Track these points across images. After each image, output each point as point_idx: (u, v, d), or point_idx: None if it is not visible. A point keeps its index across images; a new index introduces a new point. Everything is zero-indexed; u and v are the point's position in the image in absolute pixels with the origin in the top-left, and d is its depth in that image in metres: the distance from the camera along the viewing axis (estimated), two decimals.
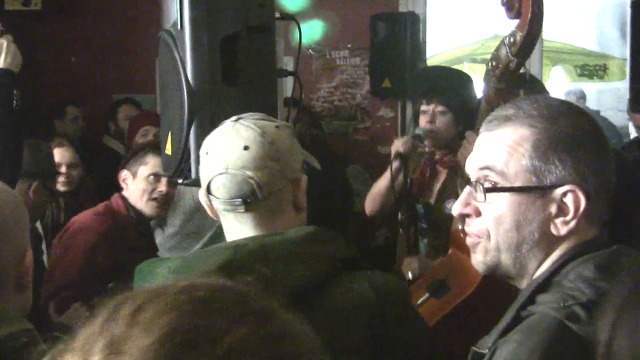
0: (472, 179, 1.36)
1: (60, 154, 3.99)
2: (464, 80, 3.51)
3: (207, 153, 1.68)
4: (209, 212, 1.75)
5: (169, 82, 2.38)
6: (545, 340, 1.20)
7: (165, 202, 3.29)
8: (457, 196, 1.39)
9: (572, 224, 1.29)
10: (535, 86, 2.78)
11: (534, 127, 1.31)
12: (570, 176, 1.28)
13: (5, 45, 2.48)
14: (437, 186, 3.42)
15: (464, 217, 1.39)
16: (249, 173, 1.62)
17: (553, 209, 1.29)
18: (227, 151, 1.63)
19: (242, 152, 1.62)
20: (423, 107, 3.43)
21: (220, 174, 1.64)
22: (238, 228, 1.68)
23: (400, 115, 5.88)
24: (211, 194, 1.67)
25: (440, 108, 3.39)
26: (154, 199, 3.24)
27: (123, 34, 6.27)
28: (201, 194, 1.72)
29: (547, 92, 2.96)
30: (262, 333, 0.76)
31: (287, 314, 0.81)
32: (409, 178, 3.44)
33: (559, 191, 1.28)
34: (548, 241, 1.31)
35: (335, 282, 1.62)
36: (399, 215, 3.45)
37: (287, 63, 4.35)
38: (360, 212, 5.51)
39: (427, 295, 2.64)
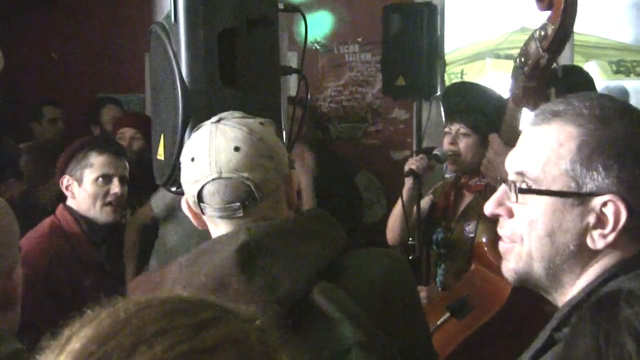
0: (509, 178, 1.37)
1: None
2: (494, 99, 3.46)
3: (192, 159, 1.72)
4: (194, 221, 1.79)
5: (161, 80, 2.39)
6: None
7: (121, 204, 3.24)
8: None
9: (611, 237, 1.28)
10: (573, 82, 2.78)
11: (582, 126, 1.30)
12: (613, 185, 1.27)
13: None
14: (461, 209, 3.44)
15: (496, 217, 1.39)
16: (245, 174, 1.67)
17: (591, 219, 1.29)
18: (217, 154, 1.68)
19: (234, 153, 1.67)
20: (446, 128, 3.47)
21: (214, 179, 1.68)
22: None
23: (416, 117, 5.87)
24: (204, 202, 1.71)
25: (463, 130, 3.41)
26: (109, 203, 3.16)
27: (109, 27, 6.30)
28: (186, 204, 1.77)
29: (591, 88, 2.93)
30: (183, 349, 0.81)
31: (226, 326, 0.84)
32: (432, 202, 3.56)
33: (598, 200, 1.28)
34: (584, 255, 1.31)
35: (355, 253, 1.74)
36: (409, 240, 3.48)
37: (291, 59, 4.37)
38: (370, 225, 5.54)
39: (447, 315, 2.64)
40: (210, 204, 1.70)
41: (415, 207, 3.47)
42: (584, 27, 7.54)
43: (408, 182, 3.47)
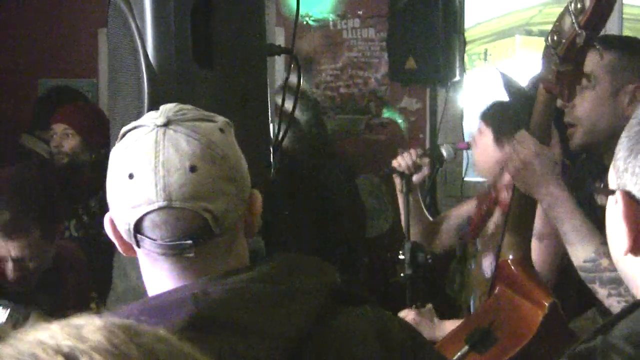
0: None
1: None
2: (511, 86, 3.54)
3: (130, 176, 1.58)
4: (119, 247, 1.69)
5: (121, 61, 2.41)
6: None
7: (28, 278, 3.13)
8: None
9: None
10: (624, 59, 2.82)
11: None
12: None
13: None
14: (489, 231, 3.52)
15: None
16: (202, 204, 1.56)
17: None
18: (167, 175, 1.55)
19: (189, 175, 1.56)
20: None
21: (161, 208, 1.56)
22: (176, 275, 1.65)
23: (429, 107, 5.90)
24: (142, 234, 1.59)
25: (482, 126, 3.51)
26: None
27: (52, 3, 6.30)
28: (111, 226, 1.67)
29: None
30: None
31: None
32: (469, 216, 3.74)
33: None
34: None
35: (332, 322, 1.65)
36: (400, 254, 3.65)
37: (278, 37, 4.41)
38: (374, 239, 5.57)
39: (466, 348, 2.64)
40: (151, 237, 1.59)
41: (407, 211, 3.71)
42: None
43: (397, 182, 3.71)
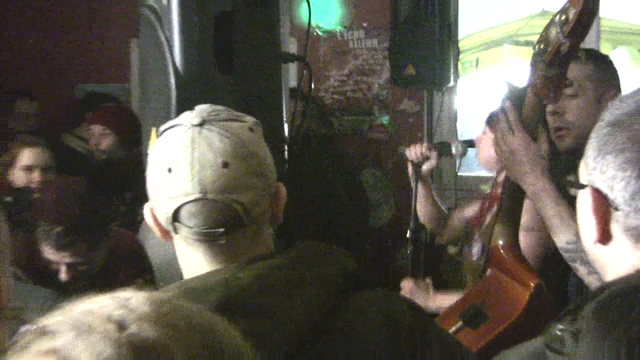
0: None
1: (34, 155, 4.18)
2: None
3: (169, 170, 1.59)
4: (158, 234, 1.70)
5: (151, 68, 2.42)
6: None
7: None
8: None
9: None
10: (596, 69, 2.82)
11: None
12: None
13: None
14: (487, 218, 3.53)
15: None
16: (232, 196, 1.57)
17: None
18: (202, 170, 1.56)
19: (222, 170, 1.57)
20: None
21: (197, 199, 1.57)
22: (209, 259, 1.65)
23: (427, 110, 5.89)
24: (179, 222, 1.60)
25: (487, 129, 3.54)
26: None
27: (91, 10, 6.30)
28: (151, 215, 1.68)
29: (615, 78, 2.96)
30: None
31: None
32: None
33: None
34: None
35: (347, 305, 1.65)
36: (408, 233, 3.75)
37: (291, 46, 4.41)
38: (377, 229, 5.57)
39: (459, 324, 2.65)
40: (187, 225, 1.60)
41: (415, 195, 3.80)
42: (611, 11, 7.57)
43: (409, 169, 3.78)
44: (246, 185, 1.58)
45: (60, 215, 2.77)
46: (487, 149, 3.53)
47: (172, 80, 2.26)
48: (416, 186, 3.81)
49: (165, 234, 1.68)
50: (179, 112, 2.23)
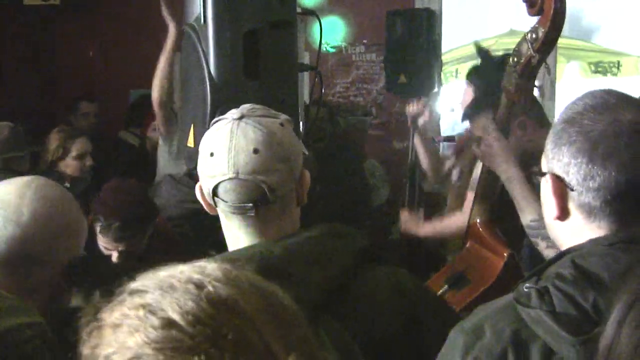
0: None
1: (83, 145, 4.22)
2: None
3: (212, 154, 1.62)
4: (207, 209, 1.70)
5: (191, 76, 2.39)
6: None
7: None
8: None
9: None
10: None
11: None
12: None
13: None
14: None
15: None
16: (260, 177, 1.57)
17: None
18: (236, 155, 1.58)
19: (252, 155, 1.57)
20: None
21: (230, 179, 1.58)
22: (244, 230, 1.65)
23: None
24: (218, 197, 1.62)
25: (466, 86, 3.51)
26: None
27: (143, 28, 6.28)
28: (200, 192, 1.68)
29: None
30: None
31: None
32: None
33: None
34: None
35: (362, 275, 1.63)
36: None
37: (305, 58, 4.38)
38: (376, 207, 5.54)
39: (445, 287, 2.64)
40: (224, 200, 1.61)
41: (412, 141, 4.08)
42: (567, 31, 7.53)
43: (409, 122, 4.11)
44: (273, 169, 1.59)
45: (119, 212, 2.72)
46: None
47: (208, 86, 2.24)
48: (413, 135, 4.01)
49: (210, 207, 1.68)
50: (212, 112, 2.23)
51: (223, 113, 2.18)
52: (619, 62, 8.97)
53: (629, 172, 1.30)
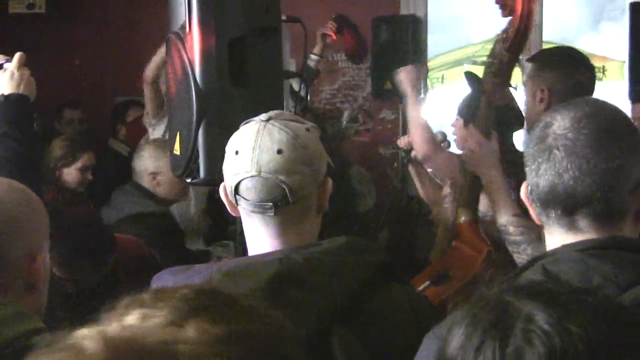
0: None
1: (89, 158, 4.31)
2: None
3: (237, 152, 1.63)
4: (228, 208, 1.71)
5: (177, 82, 2.40)
6: None
7: None
8: None
9: None
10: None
11: None
12: None
13: (25, 75, 2.51)
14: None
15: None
16: (282, 177, 1.59)
17: None
18: (260, 154, 1.59)
19: (276, 155, 1.59)
20: None
21: (252, 176, 1.60)
22: (263, 229, 1.66)
23: (402, 117, 5.88)
24: (239, 195, 1.63)
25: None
26: None
27: (126, 36, 6.30)
28: (224, 191, 1.69)
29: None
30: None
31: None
32: None
33: None
34: None
35: (380, 291, 1.62)
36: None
37: (290, 66, 4.39)
38: (362, 214, 5.56)
39: (427, 283, 2.70)
40: (245, 197, 1.62)
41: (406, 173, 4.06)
42: (552, 34, 7.58)
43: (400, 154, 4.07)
44: (294, 170, 1.60)
45: (66, 239, 2.50)
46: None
47: (194, 93, 2.25)
48: (406, 166, 3.94)
49: (233, 207, 1.69)
50: (198, 119, 2.25)
51: (209, 119, 2.23)
52: (604, 67, 9.04)
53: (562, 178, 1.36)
